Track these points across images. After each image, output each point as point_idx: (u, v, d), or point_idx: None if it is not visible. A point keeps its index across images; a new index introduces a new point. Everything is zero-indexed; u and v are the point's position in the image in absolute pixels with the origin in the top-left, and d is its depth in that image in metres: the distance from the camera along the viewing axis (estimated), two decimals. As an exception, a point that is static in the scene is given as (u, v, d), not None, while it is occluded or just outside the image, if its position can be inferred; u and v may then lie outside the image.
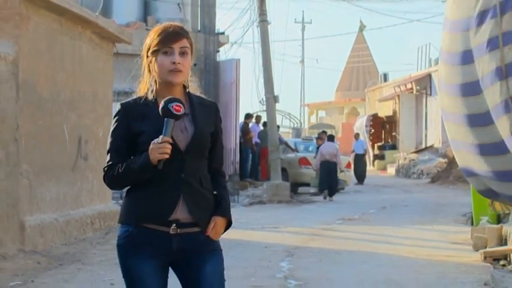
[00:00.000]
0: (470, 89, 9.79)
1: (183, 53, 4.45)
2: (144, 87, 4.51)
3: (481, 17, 9.60)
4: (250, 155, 30.70)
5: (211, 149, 4.55)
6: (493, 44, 9.45)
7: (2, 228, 12.21)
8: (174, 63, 4.41)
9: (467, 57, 9.82)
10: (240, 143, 29.54)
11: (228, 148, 26.40)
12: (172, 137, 4.31)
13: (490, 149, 9.72)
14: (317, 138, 30.94)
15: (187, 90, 4.56)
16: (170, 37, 4.44)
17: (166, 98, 4.34)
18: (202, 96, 4.66)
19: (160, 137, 4.27)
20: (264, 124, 30.85)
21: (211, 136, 4.53)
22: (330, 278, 11.30)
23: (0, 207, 12.17)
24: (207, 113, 4.54)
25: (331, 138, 28.84)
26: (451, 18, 10.28)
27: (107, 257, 12.57)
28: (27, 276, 11.11)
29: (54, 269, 11.83)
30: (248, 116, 30.87)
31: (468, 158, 10.30)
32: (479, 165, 10.06)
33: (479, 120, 9.79)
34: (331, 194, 27.06)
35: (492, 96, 9.49)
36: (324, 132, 32.70)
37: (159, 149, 4.27)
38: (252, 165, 30.80)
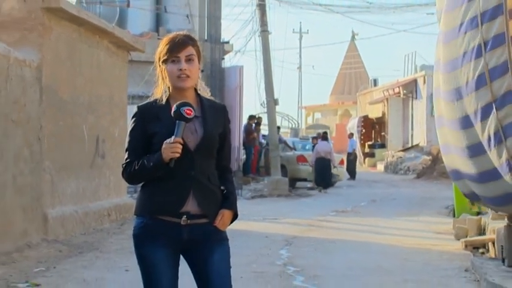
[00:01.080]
0: (463, 93, 9.75)
1: (189, 60, 4.44)
2: (158, 92, 4.52)
3: (467, 25, 9.59)
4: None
5: (220, 148, 4.55)
6: (478, 51, 9.44)
7: (27, 219, 12.23)
8: (181, 70, 4.42)
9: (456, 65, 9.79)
10: (244, 142, 29.53)
11: (233, 146, 26.40)
12: (182, 138, 4.32)
13: (479, 148, 9.68)
14: (313, 138, 31.18)
15: (198, 93, 4.56)
16: (176, 47, 4.44)
17: (178, 102, 4.34)
18: (213, 99, 4.67)
19: (172, 137, 4.28)
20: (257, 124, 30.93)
21: (220, 136, 4.53)
22: (325, 265, 11.30)
23: (25, 200, 12.19)
24: (216, 115, 4.54)
25: (325, 137, 29.38)
26: (444, 30, 10.26)
27: (122, 246, 12.57)
28: (50, 263, 11.11)
29: (74, 257, 11.83)
30: (251, 118, 30.85)
31: (458, 162, 10.25)
32: (467, 168, 10.02)
33: (470, 122, 9.75)
34: (325, 187, 27.63)
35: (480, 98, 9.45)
36: (325, 133, 33.28)
37: (171, 148, 4.28)
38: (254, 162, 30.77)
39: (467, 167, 9.93)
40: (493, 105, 9.21)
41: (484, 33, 9.33)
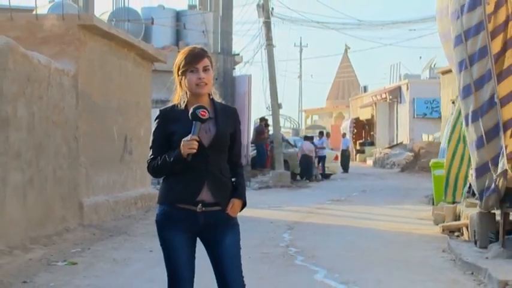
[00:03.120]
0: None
1: (205, 70, 4.42)
2: (177, 97, 4.51)
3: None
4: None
5: (231, 145, 4.53)
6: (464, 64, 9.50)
7: (65, 207, 12.25)
8: (200, 78, 4.41)
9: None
10: (256, 140, 29.52)
11: (242, 144, 26.36)
12: (198, 136, 4.31)
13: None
14: (314, 136, 31.96)
15: (211, 98, 4.55)
16: (194, 58, 4.42)
17: (195, 105, 4.33)
18: (224, 103, 4.66)
19: (190, 135, 4.28)
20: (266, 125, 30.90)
21: (231, 136, 4.51)
22: (322, 246, 11.29)
23: (63, 190, 12.20)
24: (228, 117, 4.53)
25: (308, 138, 30.81)
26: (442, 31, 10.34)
27: (147, 230, 12.57)
28: (85, 244, 11.13)
29: (105, 239, 11.84)
30: (263, 119, 30.78)
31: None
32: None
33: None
34: (308, 178, 28.49)
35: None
36: (321, 132, 34.33)
37: (188, 145, 4.27)
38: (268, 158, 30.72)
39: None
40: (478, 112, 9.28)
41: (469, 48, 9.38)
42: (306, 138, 30.95)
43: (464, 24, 9.46)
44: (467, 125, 9.72)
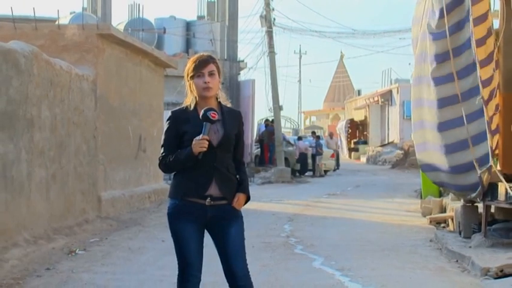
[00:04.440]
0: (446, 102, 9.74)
1: (211, 75, 4.42)
2: (188, 100, 4.51)
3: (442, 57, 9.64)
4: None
5: (235, 145, 4.52)
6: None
7: (84, 200, 12.26)
8: (205, 82, 4.41)
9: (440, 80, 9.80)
10: (267, 140, 29.57)
11: (246, 144, 26.42)
12: (208, 136, 4.31)
13: (455, 146, 9.67)
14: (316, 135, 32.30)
15: (218, 100, 4.55)
16: (200, 64, 4.42)
17: (205, 108, 4.34)
18: (230, 106, 4.66)
19: (201, 135, 4.28)
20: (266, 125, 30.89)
21: (236, 136, 4.51)
22: (319, 237, 11.29)
23: (83, 185, 12.21)
24: (233, 119, 4.52)
25: (300, 138, 31.91)
26: (417, 53, 10.29)
27: (160, 222, 12.58)
28: (103, 235, 11.14)
29: (121, 230, 11.85)
30: (272, 121, 30.73)
31: (434, 157, 10.20)
32: (441, 162, 9.98)
33: (447, 125, 9.75)
34: (303, 173, 29.44)
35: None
36: (313, 132, 34.50)
37: (200, 144, 4.26)
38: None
39: (445, 162, 9.89)
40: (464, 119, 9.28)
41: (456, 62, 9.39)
42: (299, 138, 31.69)
43: (450, 44, 9.45)
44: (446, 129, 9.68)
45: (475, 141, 9.24)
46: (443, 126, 9.77)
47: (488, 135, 9.16)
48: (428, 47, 9.95)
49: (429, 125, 10.15)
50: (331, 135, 38.64)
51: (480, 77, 9.16)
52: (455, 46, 9.51)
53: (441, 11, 9.65)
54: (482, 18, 9.42)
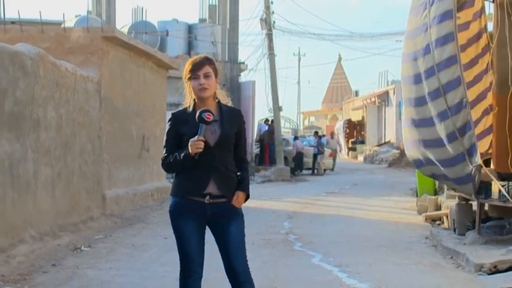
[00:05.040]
0: (420, 102, 9.72)
1: (206, 76, 4.42)
2: (187, 102, 4.52)
3: (425, 50, 9.54)
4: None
5: (236, 143, 4.52)
6: (431, 71, 9.40)
7: (90, 198, 12.26)
8: (200, 84, 4.41)
9: (417, 79, 9.74)
10: (268, 139, 29.55)
11: (247, 143, 26.37)
12: (204, 137, 4.31)
13: (431, 143, 9.66)
14: (317, 135, 32.42)
15: (217, 100, 4.55)
16: (196, 67, 4.42)
17: (201, 109, 4.34)
18: (230, 105, 4.65)
19: (196, 136, 4.28)
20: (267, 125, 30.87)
21: (236, 135, 4.50)
22: (318, 234, 11.29)
23: (88, 184, 12.21)
24: (233, 118, 4.52)
25: (297, 138, 32.03)
26: (405, 52, 10.22)
27: (162, 219, 12.59)
28: (107, 232, 11.15)
29: (125, 227, 11.86)
30: (272, 121, 30.74)
31: (416, 153, 10.21)
32: (423, 156, 10.00)
33: (424, 123, 9.73)
34: (300, 170, 29.62)
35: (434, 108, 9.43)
36: (316, 132, 34.54)
37: (195, 145, 4.26)
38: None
39: (425, 156, 9.92)
40: (448, 112, 9.19)
41: (437, 57, 9.29)
42: (296, 138, 31.89)
43: (432, 36, 9.37)
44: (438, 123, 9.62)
45: (457, 135, 9.18)
46: (421, 123, 9.80)
47: (474, 131, 9.07)
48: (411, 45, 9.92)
49: (409, 123, 10.20)
50: (332, 135, 38.65)
51: (461, 79, 9.09)
52: (422, 47, 9.51)
53: (424, 5, 9.60)
54: (466, 25, 9.44)
